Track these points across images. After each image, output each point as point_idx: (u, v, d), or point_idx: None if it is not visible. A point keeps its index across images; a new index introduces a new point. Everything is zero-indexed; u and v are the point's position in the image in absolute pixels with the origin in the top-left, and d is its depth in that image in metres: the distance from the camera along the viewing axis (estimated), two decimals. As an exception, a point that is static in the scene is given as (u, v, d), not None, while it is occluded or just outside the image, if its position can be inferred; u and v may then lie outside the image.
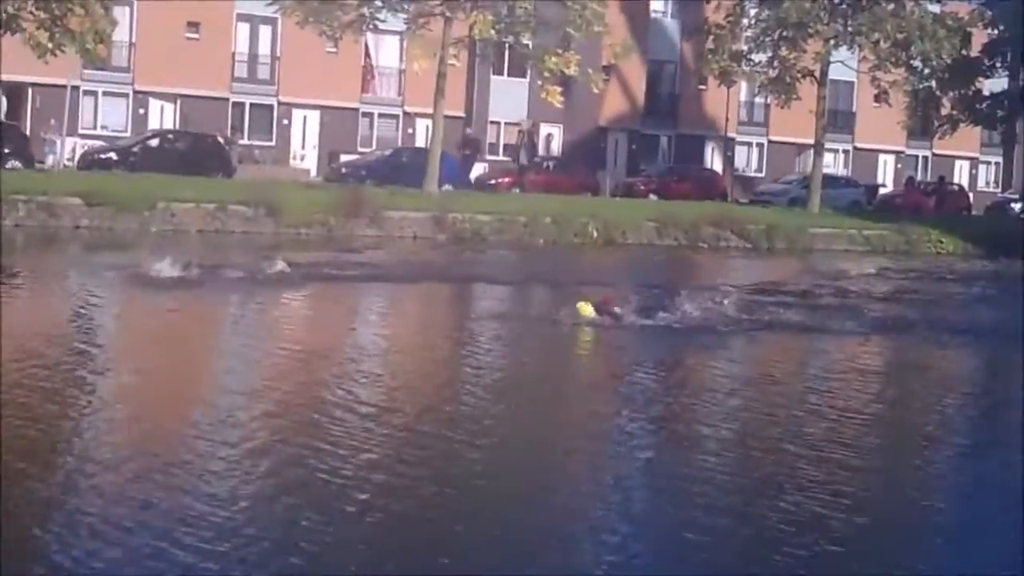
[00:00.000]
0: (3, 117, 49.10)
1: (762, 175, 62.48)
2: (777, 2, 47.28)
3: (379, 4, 41.87)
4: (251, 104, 54.22)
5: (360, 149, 53.75)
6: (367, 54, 54.41)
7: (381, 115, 55.51)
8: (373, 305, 21.91)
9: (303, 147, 55.27)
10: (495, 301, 23.04)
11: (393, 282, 24.07)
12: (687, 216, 38.61)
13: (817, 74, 47.53)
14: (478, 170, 52.63)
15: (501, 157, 56.44)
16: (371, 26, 43.31)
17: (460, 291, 24.40)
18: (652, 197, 49.49)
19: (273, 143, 54.18)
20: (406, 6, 42.00)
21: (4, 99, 50.41)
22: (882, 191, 60.19)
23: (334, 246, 30.26)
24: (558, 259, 31.89)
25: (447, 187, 43.08)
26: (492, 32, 40.54)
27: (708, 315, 18.62)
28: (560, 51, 40.85)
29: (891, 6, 46.50)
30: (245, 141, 51.89)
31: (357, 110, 55.41)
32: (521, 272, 28.37)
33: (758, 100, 59.06)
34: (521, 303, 23.39)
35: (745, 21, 48.64)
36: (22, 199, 30.54)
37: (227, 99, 53.50)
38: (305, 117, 55.16)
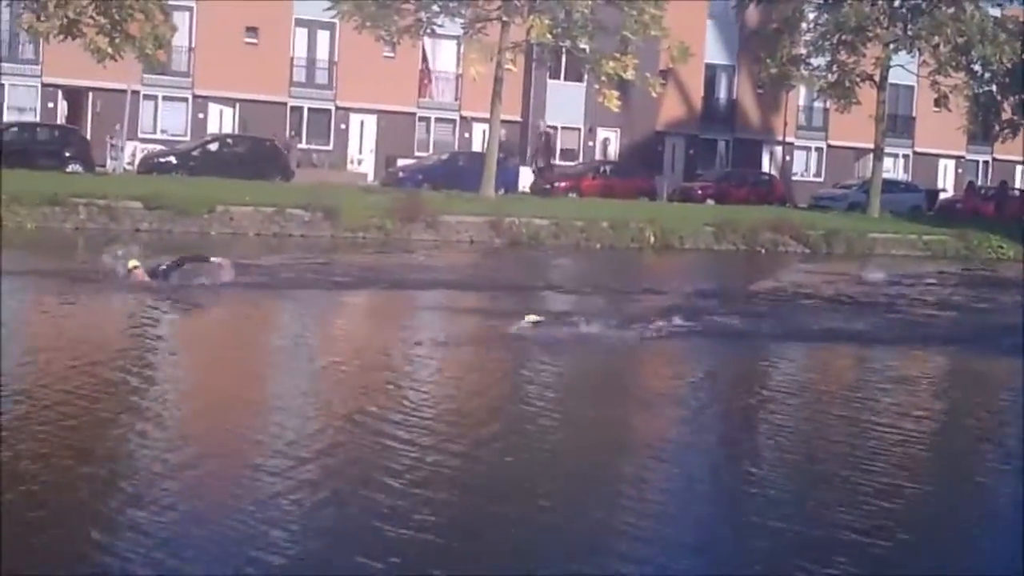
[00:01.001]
0: (64, 121, 49.69)
1: (821, 180, 62.08)
2: (836, 6, 47.14)
3: (436, 9, 41.98)
4: (309, 108, 54.47)
5: (417, 153, 53.88)
6: (424, 59, 54.52)
7: (438, 119, 55.63)
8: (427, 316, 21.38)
9: (360, 151, 55.47)
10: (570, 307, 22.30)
11: (459, 289, 23.91)
12: (745, 221, 38.43)
13: (877, 78, 47.28)
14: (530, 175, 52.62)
15: (558, 161, 56.38)
16: (428, 31, 43.40)
17: (527, 299, 22.96)
18: (709, 202, 49.34)
19: (331, 147, 54.41)
20: (463, 11, 42.08)
21: (65, 104, 50.99)
22: (942, 196, 59.71)
23: (391, 250, 30.37)
24: (618, 264, 31.77)
25: (503, 191, 43.16)
26: (549, 36, 40.53)
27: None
28: (617, 55, 40.78)
29: (951, 10, 46.13)
30: (303, 145, 52.15)
31: (414, 114, 55.54)
32: (586, 278, 28.21)
33: (817, 104, 58.80)
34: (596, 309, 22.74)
35: (804, 25, 48.45)
36: (83, 202, 30.77)
37: (285, 103, 53.77)
38: (363, 121, 55.36)
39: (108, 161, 46.32)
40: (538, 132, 52.89)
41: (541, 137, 48.44)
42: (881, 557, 8.44)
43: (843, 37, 47.15)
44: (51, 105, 50.75)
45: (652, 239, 36.03)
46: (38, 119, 49.07)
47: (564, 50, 45.14)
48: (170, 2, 38.31)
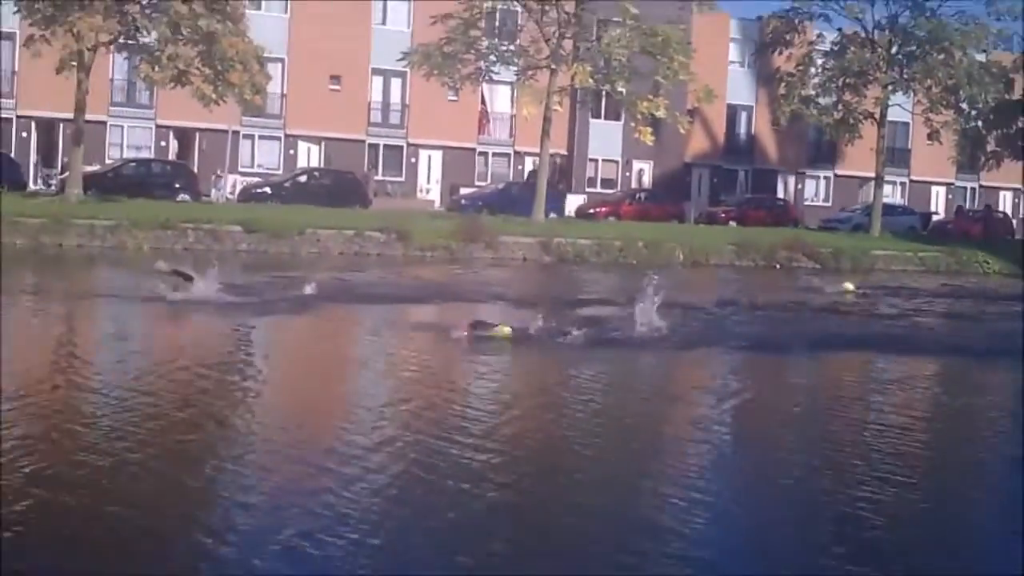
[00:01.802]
0: (175, 157, 50.13)
1: (829, 204, 61.76)
2: (841, 53, 47.04)
3: (493, 59, 42.10)
4: (384, 145, 54.68)
5: (477, 183, 54.00)
6: (483, 101, 54.66)
7: (495, 153, 55.75)
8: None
9: (428, 181, 55.62)
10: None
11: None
12: (763, 241, 38.26)
13: (877, 116, 47.04)
14: (578, 200, 52.57)
15: (599, 189, 56.39)
16: (487, 77, 43.57)
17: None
18: (732, 224, 49.14)
19: (403, 178, 54.61)
20: (517, 60, 42.17)
21: (175, 142, 51.44)
22: (935, 218, 59.21)
23: (455, 265, 30.45)
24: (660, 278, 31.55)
25: (552, 215, 43.18)
26: (591, 81, 40.60)
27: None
28: (651, 97, 40.75)
29: (942, 56, 45.88)
30: (379, 177, 52.37)
31: (474, 149, 55.68)
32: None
33: (825, 139, 58.51)
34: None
35: (812, 70, 48.28)
36: (191, 227, 31.02)
37: (364, 141, 54.02)
38: (430, 156, 55.53)
39: (213, 192, 46.71)
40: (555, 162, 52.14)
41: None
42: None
43: (847, 80, 47.04)
44: (163, 143, 51.22)
45: (682, 256, 35.93)
46: (152, 155, 49.52)
47: (604, 93, 45.26)
48: (265, 55, 38.47)
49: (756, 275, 34.20)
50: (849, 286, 27.56)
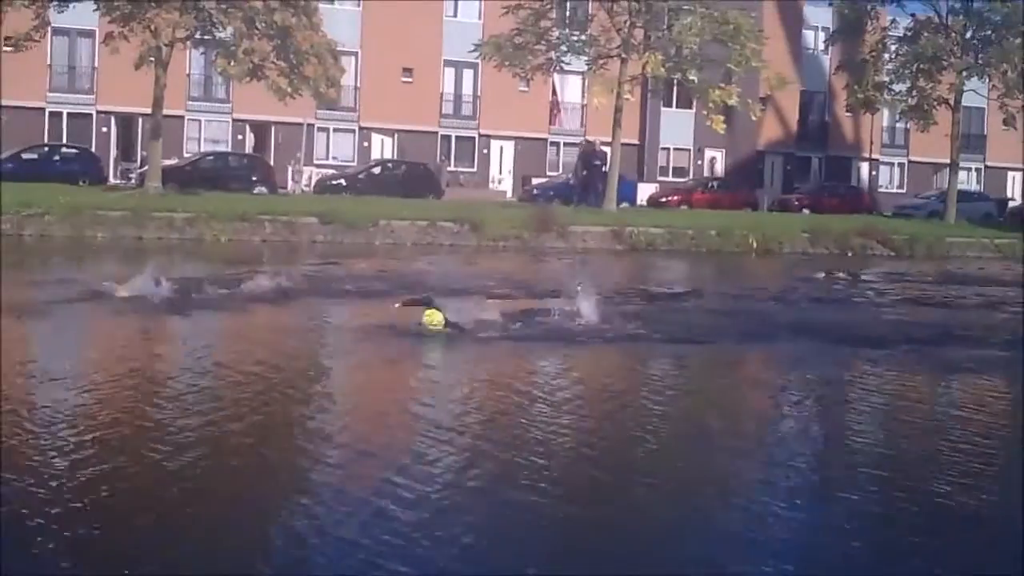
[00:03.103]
0: (251, 150, 50.69)
1: (903, 191, 61.03)
2: (915, 39, 46.41)
3: (564, 49, 42.07)
4: (456, 136, 54.90)
5: (548, 173, 54.02)
6: (554, 92, 54.65)
7: (566, 144, 55.71)
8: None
9: (500, 172, 55.77)
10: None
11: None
12: (837, 228, 37.85)
13: (951, 102, 46.36)
14: (649, 189, 52.40)
15: (671, 178, 56.20)
16: (557, 68, 43.53)
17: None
18: (805, 212, 48.75)
19: (475, 169, 54.80)
20: (587, 50, 42.08)
21: (252, 135, 52.01)
22: (1011, 204, 58.27)
23: (529, 253, 30.51)
24: (736, 266, 31.45)
25: (624, 204, 43.10)
26: (662, 70, 40.37)
27: None
28: (723, 85, 40.51)
29: (1018, 40, 45.13)
30: (452, 168, 52.58)
31: (546, 140, 55.73)
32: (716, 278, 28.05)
33: (899, 125, 57.84)
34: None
35: (886, 55, 47.74)
36: (268, 218, 31.30)
37: (436, 132, 54.28)
38: (502, 147, 55.65)
39: (289, 183, 47.16)
40: (581, 149, 51.53)
41: (583, 153, 47.57)
42: None
43: (921, 66, 46.32)
44: (240, 137, 51.83)
45: (755, 244, 35.67)
46: (229, 149, 50.11)
47: (676, 81, 44.96)
48: (339, 48, 38.75)
49: (830, 263, 33.85)
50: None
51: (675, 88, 50.39)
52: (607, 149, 41.60)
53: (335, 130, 52.87)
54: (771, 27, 48.14)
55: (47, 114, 49.25)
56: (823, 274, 26.71)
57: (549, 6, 41.48)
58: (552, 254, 31.44)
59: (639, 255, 32.94)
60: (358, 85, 52.37)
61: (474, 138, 55.18)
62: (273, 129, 51.09)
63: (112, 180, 45.93)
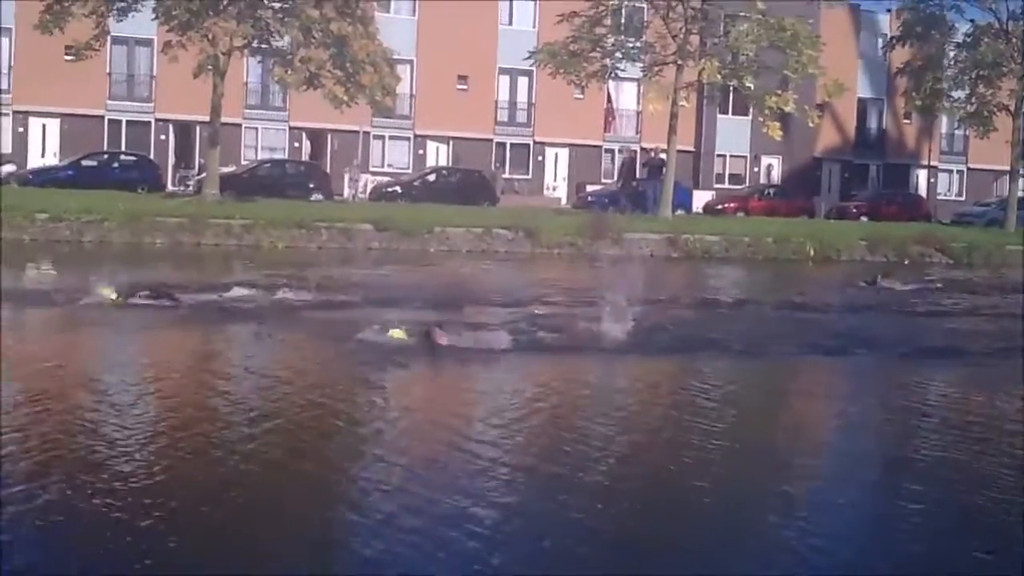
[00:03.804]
0: (308, 158, 51.03)
1: (962, 199, 60.40)
2: (974, 45, 45.96)
3: (619, 56, 41.99)
4: (511, 144, 54.98)
5: (603, 180, 53.96)
6: (609, 99, 54.60)
7: (621, 151, 55.61)
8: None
9: (555, 179, 55.77)
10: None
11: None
12: (895, 235, 37.49)
13: (1012, 108, 45.85)
14: (705, 196, 52.21)
15: (727, 185, 55.98)
16: (613, 75, 43.45)
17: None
18: (863, 219, 48.37)
19: (530, 176, 54.85)
20: (643, 56, 42.01)
21: (308, 143, 52.36)
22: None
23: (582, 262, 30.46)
24: (796, 274, 31.19)
25: (679, 212, 42.95)
26: (718, 76, 40.20)
27: None
28: (779, 91, 40.28)
29: (1081, 45, 44.64)
30: (506, 175, 52.64)
31: (600, 147, 55.67)
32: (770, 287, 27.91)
33: (958, 132, 57.27)
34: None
35: (945, 62, 47.30)
36: (324, 225, 31.45)
37: (491, 140, 54.40)
38: (557, 154, 55.67)
39: (346, 190, 47.41)
40: (622, 156, 51.30)
41: (623, 161, 47.45)
42: None
43: (981, 72, 45.90)
44: (297, 144, 52.21)
45: (812, 252, 35.39)
46: (286, 156, 50.49)
47: (732, 88, 44.78)
48: (394, 56, 38.92)
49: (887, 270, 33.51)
50: None
51: (731, 95, 50.18)
52: (663, 156, 41.49)
53: (390, 138, 53.11)
54: (828, 33, 47.72)
55: (106, 122, 49.83)
56: (879, 281, 26.22)
57: (604, 13, 41.43)
58: (606, 261, 31.38)
59: (695, 262, 32.78)
60: (413, 93, 52.58)
61: (529, 145, 55.22)
62: (329, 137, 51.41)
63: (170, 187, 46.41)
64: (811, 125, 44.76)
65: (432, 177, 48.22)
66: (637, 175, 46.99)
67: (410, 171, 51.51)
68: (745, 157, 57.58)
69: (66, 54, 38.36)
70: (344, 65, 36.45)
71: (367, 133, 50.11)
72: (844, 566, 6.55)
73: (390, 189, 46.39)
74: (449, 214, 35.26)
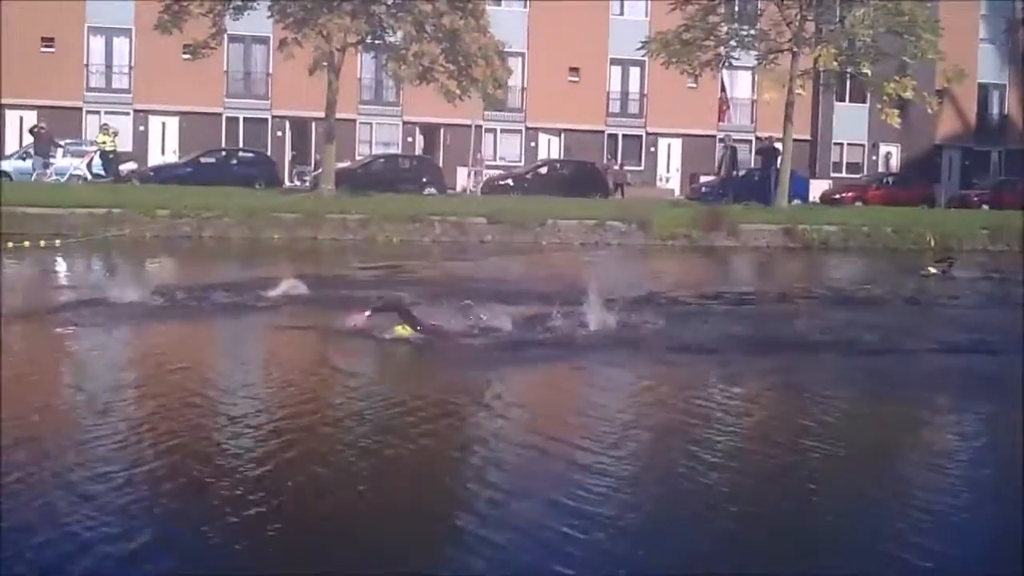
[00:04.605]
0: (421, 152, 51.39)
1: (1089, 185, 58.73)
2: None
3: (733, 44, 41.57)
4: (623, 135, 54.78)
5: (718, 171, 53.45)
6: (723, 88, 54.01)
7: (736, 140, 55.01)
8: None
9: (667, 170, 55.44)
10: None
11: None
12: (1018, 225, 36.55)
13: None
14: (822, 185, 51.46)
15: (844, 174, 55.14)
16: (727, 63, 43.00)
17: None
18: (984, 207, 47.27)
19: (642, 168, 54.59)
20: (757, 44, 41.55)
21: (421, 138, 52.72)
22: None
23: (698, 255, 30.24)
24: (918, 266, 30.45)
25: (796, 202, 42.40)
26: (835, 63, 39.58)
27: None
28: (897, 78, 39.52)
29: None
30: (617, 166, 52.45)
31: (714, 137, 55.14)
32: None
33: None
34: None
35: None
36: (437, 219, 31.64)
37: (603, 131, 54.24)
38: (669, 145, 55.34)
39: (467, 183, 47.66)
40: (723, 144, 50.49)
41: (725, 149, 46.74)
42: None
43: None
44: (410, 139, 52.62)
45: (932, 242, 34.69)
46: (400, 151, 50.89)
47: (848, 75, 44.07)
48: (506, 49, 38.97)
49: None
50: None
51: (848, 82, 49.33)
52: (777, 145, 41.02)
53: (502, 131, 53.25)
54: (948, 17, 46.60)
55: (224, 119, 50.73)
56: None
57: (718, 1, 41.04)
58: (721, 252, 31.14)
59: (812, 253, 32.33)
60: (525, 86, 52.63)
61: (641, 136, 54.96)
62: (442, 131, 51.70)
63: (287, 183, 47.08)
64: (930, 111, 43.89)
65: (544, 169, 48.28)
66: (738, 166, 46.59)
67: (522, 164, 51.61)
68: (863, 145, 56.64)
69: (184, 53, 39.07)
70: (456, 59, 36.61)
71: (479, 126, 50.29)
72: None
73: (502, 182, 46.55)
74: (561, 206, 35.23)
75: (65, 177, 40.07)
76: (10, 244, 23.36)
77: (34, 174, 39.60)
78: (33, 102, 47.35)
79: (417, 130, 52.54)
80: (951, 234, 35.20)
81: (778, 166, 40.71)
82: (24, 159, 41.78)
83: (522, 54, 51.39)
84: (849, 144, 56.45)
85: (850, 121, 55.30)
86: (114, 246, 26.19)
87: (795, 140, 42.08)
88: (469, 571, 6.10)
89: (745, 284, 24.67)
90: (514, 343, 12.93)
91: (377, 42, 39.17)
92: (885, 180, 52.46)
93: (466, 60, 36.52)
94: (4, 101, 48.03)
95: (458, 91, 36.96)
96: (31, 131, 41.93)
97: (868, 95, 47.18)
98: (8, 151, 45.75)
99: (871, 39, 39.52)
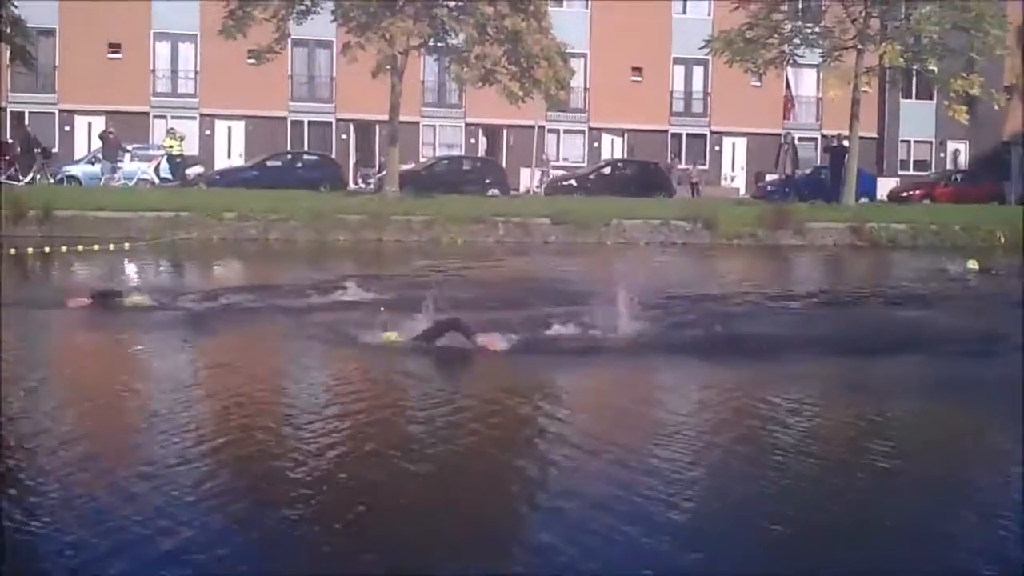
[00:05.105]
0: (484, 154, 51.55)
1: None
2: None
3: (798, 42, 41.31)
4: (687, 134, 54.63)
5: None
6: (787, 86, 53.67)
7: (801, 139, 54.50)
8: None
9: (733, 169, 55.20)
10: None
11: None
12: (1088, 221, 35.93)
13: None
14: (890, 183, 50.98)
15: (912, 172, 54.60)
16: (791, 61, 42.75)
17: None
18: (1055, 204, 46.61)
19: (707, 167, 54.36)
20: (822, 41, 41.26)
21: (484, 139, 52.88)
22: None
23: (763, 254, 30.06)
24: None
25: (863, 200, 42.05)
26: (901, 60, 39.21)
27: None
28: (964, 74, 39.09)
29: None
30: (682, 166, 52.30)
31: (779, 135, 54.73)
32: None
33: None
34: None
35: None
36: (501, 220, 31.67)
37: (666, 131, 54.11)
38: (734, 143, 55.11)
39: (533, 183, 47.74)
40: (782, 142, 49.88)
41: (785, 147, 46.26)
42: None
43: None
44: (473, 141, 52.82)
45: (1002, 240, 34.23)
46: (463, 153, 51.07)
47: (915, 72, 43.63)
48: (568, 50, 38.97)
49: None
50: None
51: (914, 79, 48.84)
52: (845, 142, 40.70)
53: (565, 131, 53.30)
54: (1016, 13, 46.09)
55: (289, 123, 51.21)
56: None
57: (782, -1, 40.83)
58: (788, 251, 30.94)
59: (881, 252, 32.02)
60: (587, 86, 52.64)
61: (705, 135, 54.77)
62: (505, 132, 51.84)
63: (351, 185, 47.40)
64: (998, 108, 43.30)
65: (607, 170, 48.24)
66: (799, 163, 46.27)
67: (585, 164, 51.59)
68: (930, 142, 56.06)
69: (249, 58, 39.47)
70: (519, 60, 36.64)
71: (542, 127, 50.34)
72: None
73: (565, 183, 46.57)
74: (625, 206, 35.14)
75: (133, 181, 40.61)
76: (80, 247, 23.75)
77: (103, 179, 40.13)
78: (101, 107, 48.10)
79: (480, 131, 52.72)
80: (1022, 232, 34.68)
81: (846, 164, 40.38)
82: (93, 164, 42.37)
83: (584, 55, 51.39)
84: (916, 141, 55.92)
85: (917, 118, 54.75)
86: (181, 249, 26.52)
87: (861, 138, 41.70)
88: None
89: (817, 283, 24.38)
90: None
91: (439, 45, 39.31)
92: (953, 177, 51.90)
93: (528, 61, 36.53)
94: (73, 107, 48.84)
95: (520, 93, 36.97)
96: (100, 136, 42.54)
97: (935, 92, 46.66)
98: (77, 156, 46.49)
99: (937, 35, 39.12)
